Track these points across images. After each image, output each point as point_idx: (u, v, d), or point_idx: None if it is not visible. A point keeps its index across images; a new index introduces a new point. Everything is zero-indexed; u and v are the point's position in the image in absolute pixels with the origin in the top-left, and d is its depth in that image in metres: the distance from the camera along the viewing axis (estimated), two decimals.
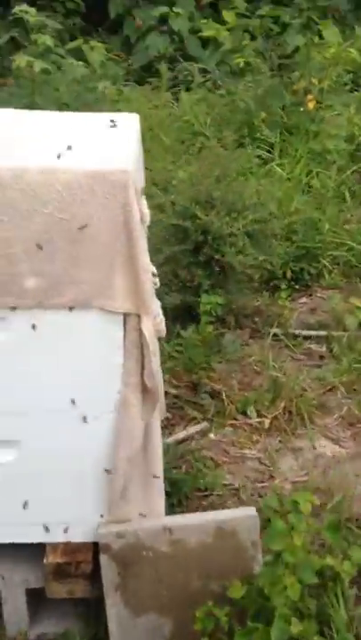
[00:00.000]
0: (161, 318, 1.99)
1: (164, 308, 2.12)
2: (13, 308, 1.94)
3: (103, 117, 2.29)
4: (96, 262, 1.91)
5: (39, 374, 2.02)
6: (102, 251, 1.90)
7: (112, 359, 2.01)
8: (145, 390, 2.04)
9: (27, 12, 3.99)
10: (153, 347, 1.98)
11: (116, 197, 1.85)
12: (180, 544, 2.13)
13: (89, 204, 1.85)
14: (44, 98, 3.97)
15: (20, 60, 3.73)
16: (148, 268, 1.91)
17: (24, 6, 4.14)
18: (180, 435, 3.35)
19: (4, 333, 1.97)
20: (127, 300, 1.94)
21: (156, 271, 1.96)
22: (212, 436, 3.36)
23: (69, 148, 1.97)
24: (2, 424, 2.08)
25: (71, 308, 1.95)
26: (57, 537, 2.20)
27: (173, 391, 3.51)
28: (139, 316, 1.96)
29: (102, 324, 1.98)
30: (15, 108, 2.49)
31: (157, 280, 1.97)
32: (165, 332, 2.03)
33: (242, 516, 2.17)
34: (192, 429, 3.40)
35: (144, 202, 1.88)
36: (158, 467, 2.20)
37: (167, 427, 3.44)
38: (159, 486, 2.23)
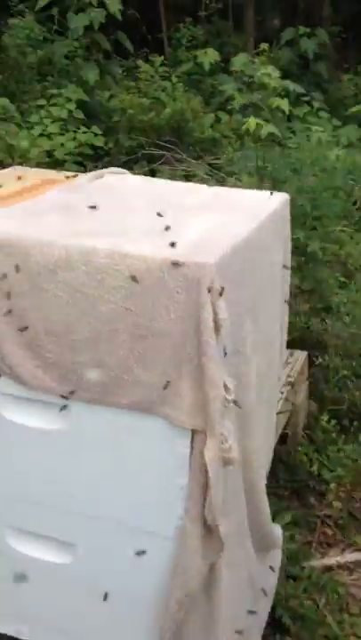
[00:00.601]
0: (230, 444, 1.61)
1: None
2: (73, 398, 1.71)
3: (261, 195, 2.01)
4: (163, 364, 1.61)
5: (94, 477, 1.76)
6: (170, 352, 1.59)
7: (175, 478, 1.69)
8: (206, 525, 1.67)
9: (269, 75, 3.78)
10: (215, 475, 1.61)
11: (190, 294, 1.54)
12: None
13: (159, 296, 1.56)
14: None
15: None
16: (217, 382, 1.56)
17: (269, 69, 3.94)
18: (332, 560, 2.85)
19: (63, 422, 1.75)
20: (195, 414, 1.61)
21: (230, 386, 1.60)
22: None
23: (168, 228, 1.71)
24: (58, 521, 1.85)
25: (134, 411, 1.67)
26: None
27: (338, 504, 3.03)
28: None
29: (167, 435, 1.67)
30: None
31: (232, 397, 1.60)
32: (236, 460, 1.65)
33: None
34: (350, 557, 2.88)
35: (222, 304, 1.54)
36: (225, 620, 1.80)
37: (322, 545, 2.97)
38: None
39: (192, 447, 1.66)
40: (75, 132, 4.73)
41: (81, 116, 5.04)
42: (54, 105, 5.04)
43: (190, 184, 2.23)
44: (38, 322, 1.67)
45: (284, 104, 3.82)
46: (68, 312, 1.63)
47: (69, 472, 1.79)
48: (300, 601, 2.63)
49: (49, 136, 4.64)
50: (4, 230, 1.67)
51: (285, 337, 2.21)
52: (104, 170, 2.18)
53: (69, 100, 4.99)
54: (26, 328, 1.67)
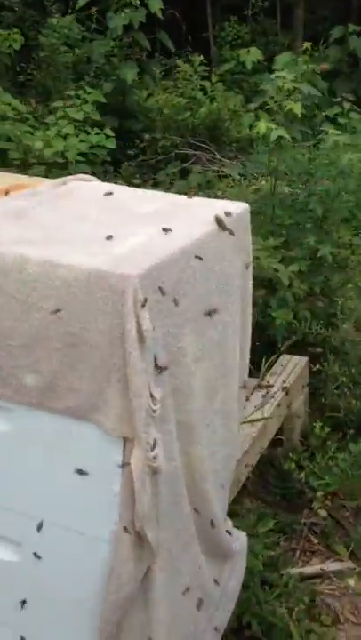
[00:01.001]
0: (156, 452, 1.63)
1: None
2: (14, 401, 1.76)
3: (217, 205, 2.02)
4: (93, 372, 1.64)
5: (37, 477, 1.81)
6: (99, 361, 1.63)
7: (110, 485, 1.72)
8: (137, 532, 1.70)
9: (284, 78, 3.75)
10: (141, 484, 1.64)
11: (114, 305, 1.57)
12: None
13: (88, 306, 1.60)
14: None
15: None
16: (141, 392, 1.58)
17: (283, 72, 3.89)
18: (312, 569, 2.84)
19: (8, 424, 1.81)
20: (122, 422, 1.64)
21: (157, 395, 1.62)
22: (351, 582, 2.79)
23: (109, 237, 1.74)
24: (6, 520, 1.91)
25: (71, 416, 1.71)
26: None
27: (323, 513, 3.01)
28: None
29: (102, 442, 1.70)
30: None
31: (157, 407, 1.62)
32: (162, 469, 1.67)
33: None
34: (331, 566, 2.86)
35: (146, 315, 1.56)
36: (161, 623, 1.83)
37: (305, 553, 2.97)
38: None
39: (124, 455, 1.69)
40: (87, 133, 4.81)
41: (97, 117, 5.11)
42: (72, 106, 5.13)
43: (153, 192, 2.25)
44: None
45: (297, 108, 3.79)
46: (5, 317, 1.68)
47: (14, 472, 1.84)
48: (272, 608, 2.63)
49: (65, 137, 4.73)
50: None
51: (248, 343, 2.21)
52: (70, 177, 2.22)
53: (86, 101, 5.07)
54: None
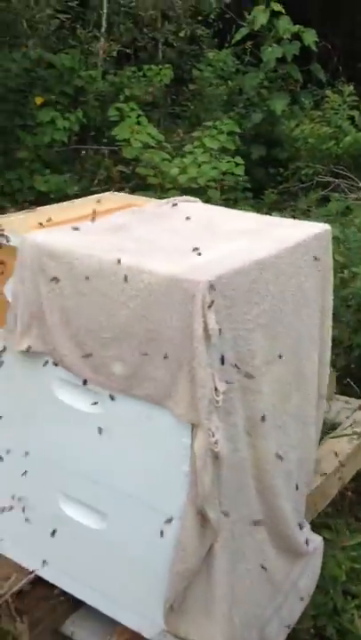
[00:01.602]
0: (217, 439, 1.85)
1: None
2: (104, 387, 2.05)
3: (303, 226, 2.23)
4: (167, 364, 1.90)
5: (121, 455, 2.08)
6: (172, 354, 1.88)
7: (180, 465, 1.96)
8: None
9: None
10: (203, 465, 1.86)
11: (186, 306, 1.82)
12: None
13: (166, 307, 1.86)
14: None
15: None
16: (204, 383, 1.81)
17: None
18: None
19: (99, 408, 2.10)
20: (190, 410, 1.88)
21: (221, 389, 1.84)
22: None
23: (195, 249, 2.00)
24: (92, 491, 2.19)
25: (150, 402, 1.97)
26: (130, 622, 2.22)
27: None
28: None
29: (175, 426, 1.95)
30: None
31: (220, 398, 1.85)
32: (222, 455, 1.88)
33: None
34: None
35: (212, 316, 1.79)
36: (221, 599, 2.03)
37: None
38: (226, 618, 2.06)
39: (192, 439, 1.92)
40: (220, 161, 5.10)
41: (232, 146, 5.40)
42: (208, 136, 5.46)
43: (248, 213, 2.48)
44: (79, 320, 2.03)
45: None
46: (100, 313, 1.98)
47: (102, 450, 2.13)
48: (350, 617, 2.74)
49: (200, 165, 5.06)
50: (59, 242, 2.06)
51: (328, 355, 2.38)
52: (174, 198, 2.50)
53: (222, 131, 5.38)
54: (69, 325, 2.05)
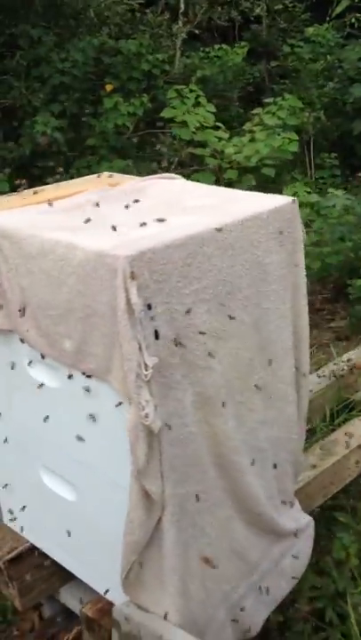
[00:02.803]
0: (147, 413, 1.85)
1: None
2: (59, 362, 2.11)
3: (265, 199, 2.19)
4: (103, 339, 1.92)
5: (79, 428, 2.14)
6: (107, 330, 1.90)
7: (125, 439, 1.99)
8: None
9: None
10: (135, 439, 1.88)
11: (112, 281, 1.83)
12: None
13: (96, 282, 1.88)
14: None
15: None
16: (130, 357, 1.82)
17: None
18: None
19: (57, 381, 2.16)
20: (123, 384, 1.90)
21: (149, 363, 1.84)
22: None
23: (143, 224, 2.01)
24: (65, 464, 2.27)
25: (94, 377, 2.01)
26: (103, 590, 2.29)
27: None
28: None
29: (116, 400, 1.98)
30: None
31: (149, 373, 1.84)
32: (155, 427, 1.88)
33: None
34: None
35: (134, 291, 1.79)
36: (170, 571, 2.05)
37: None
38: (179, 591, 2.08)
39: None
40: (275, 137, 4.97)
41: (292, 122, 5.24)
42: (268, 113, 5.33)
43: (219, 188, 2.43)
44: (33, 298, 2.09)
45: None
46: (45, 291, 2.03)
47: (67, 424, 2.19)
48: (354, 601, 2.67)
49: (256, 142, 4.95)
50: (13, 223, 2.14)
51: (306, 332, 2.31)
52: (155, 175, 2.50)
53: (281, 107, 5.23)
54: (27, 302, 2.12)
